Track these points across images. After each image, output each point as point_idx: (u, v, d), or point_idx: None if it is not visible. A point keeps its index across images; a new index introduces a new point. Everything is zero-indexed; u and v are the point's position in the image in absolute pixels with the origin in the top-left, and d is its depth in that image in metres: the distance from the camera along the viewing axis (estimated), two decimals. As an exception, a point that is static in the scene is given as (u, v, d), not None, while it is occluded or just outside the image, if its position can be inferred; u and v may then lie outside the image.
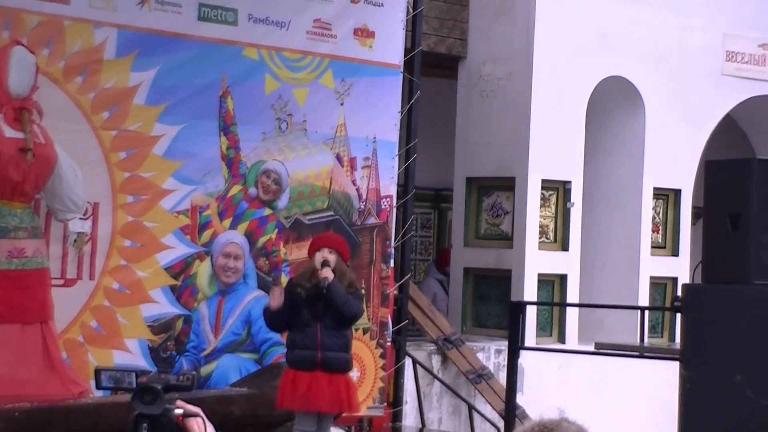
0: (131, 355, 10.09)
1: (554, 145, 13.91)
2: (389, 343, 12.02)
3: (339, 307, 9.05)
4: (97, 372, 3.51)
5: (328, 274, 9.02)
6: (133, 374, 3.51)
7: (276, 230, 11.07)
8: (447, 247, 16.32)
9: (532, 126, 13.83)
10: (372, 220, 11.74)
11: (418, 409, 12.78)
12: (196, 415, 3.43)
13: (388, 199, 11.88)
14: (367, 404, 11.73)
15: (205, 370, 10.51)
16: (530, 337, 12.69)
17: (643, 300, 14.54)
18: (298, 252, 11.01)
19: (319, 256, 9.06)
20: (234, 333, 10.73)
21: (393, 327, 12.09)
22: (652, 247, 14.96)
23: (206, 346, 10.60)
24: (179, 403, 3.45)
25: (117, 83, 10.05)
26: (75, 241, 9.86)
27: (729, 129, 16.31)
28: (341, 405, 9.19)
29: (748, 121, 16.82)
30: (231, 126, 10.76)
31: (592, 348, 11.46)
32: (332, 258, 9.11)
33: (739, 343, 8.11)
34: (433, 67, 14.23)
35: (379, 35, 11.67)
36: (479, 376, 13.05)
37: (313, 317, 8.99)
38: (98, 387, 3.51)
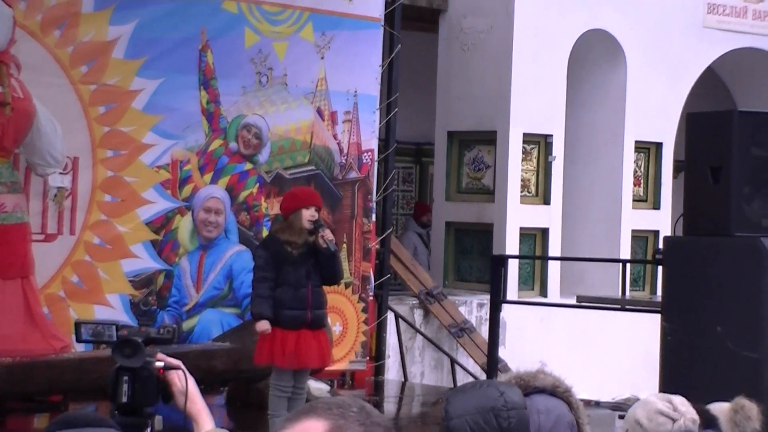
0: (112, 310, 10.06)
1: (535, 99, 13.88)
2: (371, 298, 12.02)
3: (337, 268, 9.01)
4: (77, 325, 3.49)
5: (332, 235, 8.92)
6: (114, 327, 3.49)
7: (257, 185, 11.03)
8: (421, 201, 16.37)
9: (513, 79, 13.79)
10: (353, 175, 11.71)
11: (401, 363, 12.81)
12: (176, 367, 3.41)
13: (369, 154, 11.85)
14: (350, 358, 11.74)
15: (187, 324, 10.50)
16: (512, 291, 12.70)
17: (625, 253, 14.56)
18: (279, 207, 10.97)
19: (307, 214, 8.80)
20: (215, 288, 10.72)
21: (375, 281, 12.09)
22: (634, 200, 14.98)
23: (188, 301, 10.58)
24: (160, 356, 3.44)
25: (95, 37, 9.97)
26: (55, 196, 9.82)
27: (710, 81, 16.29)
28: (325, 359, 9.19)
29: (729, 73, 16.80)
30: (211, 80, 10.70)
31: (573, 301, 11.49)
32: (317, 216, 8.96)
33: (720, 295, 8.13)
34: (413, 21, 14.15)
35: (360, -12, 11.60)
36: (461, 330, 13.07)
37: (306, 277, 8.88)
38: (78, 340, 3.50)
